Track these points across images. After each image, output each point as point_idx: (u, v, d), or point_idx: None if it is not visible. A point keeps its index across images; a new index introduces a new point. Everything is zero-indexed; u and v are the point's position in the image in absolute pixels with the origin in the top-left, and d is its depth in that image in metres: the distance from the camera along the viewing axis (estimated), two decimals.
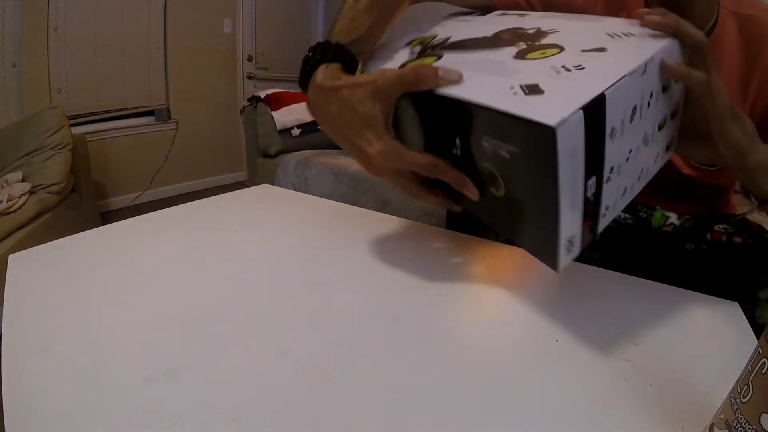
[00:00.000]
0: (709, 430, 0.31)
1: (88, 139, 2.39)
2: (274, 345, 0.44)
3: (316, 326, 0.47)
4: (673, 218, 0.76)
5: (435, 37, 0.56)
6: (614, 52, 0.43)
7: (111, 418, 0.36)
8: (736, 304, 0.52)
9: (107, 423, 0.35)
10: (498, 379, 0.41)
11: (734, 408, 0.29)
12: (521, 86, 0.40)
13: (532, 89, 0.39)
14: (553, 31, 0.49)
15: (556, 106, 0.36)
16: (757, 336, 0.39)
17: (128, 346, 0.44)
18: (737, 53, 0.65)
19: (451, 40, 0.54)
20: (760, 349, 0.28)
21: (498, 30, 0.53)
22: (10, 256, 0.59)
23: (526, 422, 0.36)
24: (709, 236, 0.74)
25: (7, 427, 0.34)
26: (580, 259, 0.46)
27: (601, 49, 0.43)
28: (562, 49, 0.45)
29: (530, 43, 0.47)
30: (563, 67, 0.41)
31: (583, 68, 0.41)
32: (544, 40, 0.47)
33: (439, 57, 0.50)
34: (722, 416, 0.30)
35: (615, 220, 0.77)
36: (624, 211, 0.78)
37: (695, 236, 0.75)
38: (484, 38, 0.52)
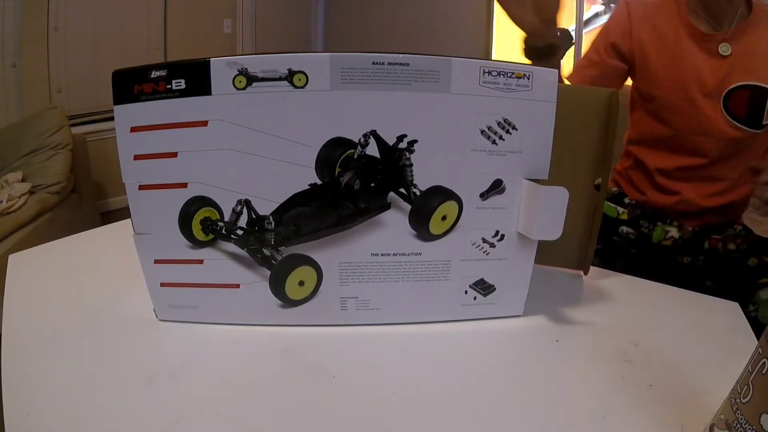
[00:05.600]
0: (709, 430, 0.31)
1: (88, 139, 2.38)
2: (275, 344, 0.44)
3: (317, 326, 0.47)
4: (673, 232, 0.79)
5: None
6: None
7: (111, 417, 0.36)
8: (736, 304, 0.52)
9: (107, 423, 0.35)
10: (498, 379, 0.41)
11: (734, 408, 0.29)
12: None
13: None
14: None
15: None
16: (757, 336, 0.39)
17: (128, 346, 0.44)
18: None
19: None
20: (760, 349, 0.28)
21: None
22: (10, 256, 0.59)
23: (526, 422, 0.36)
24: (706, 245, 0.78)
25: (7, 427, 0.34)
26: None
27: None
28: None
29: None
30: None
31: None
32: None
33: None
34: (722, 416, 0.30)
35: (617, 234, 0.81)
36: (627, 225, 0.82)
37: (693, 248, 0.79)
38: None
